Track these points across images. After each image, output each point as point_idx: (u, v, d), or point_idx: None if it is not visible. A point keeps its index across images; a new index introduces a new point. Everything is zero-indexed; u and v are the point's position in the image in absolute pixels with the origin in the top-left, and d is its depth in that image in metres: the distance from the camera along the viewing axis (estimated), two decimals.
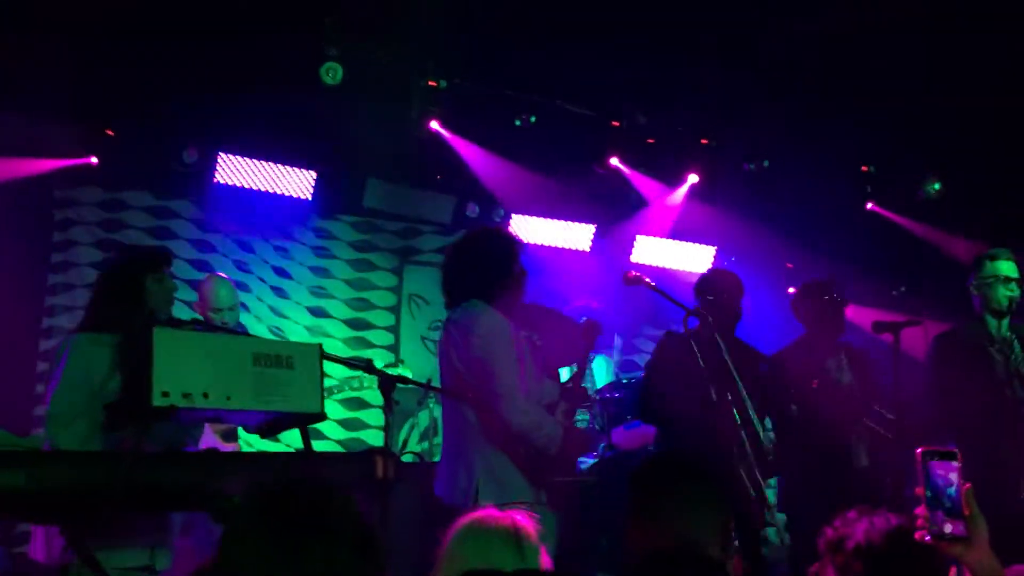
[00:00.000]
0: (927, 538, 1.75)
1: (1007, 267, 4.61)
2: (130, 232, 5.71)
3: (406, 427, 6.00)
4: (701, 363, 4.04)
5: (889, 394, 4.52)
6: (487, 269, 3.64)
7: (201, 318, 4.45)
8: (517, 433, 3.45)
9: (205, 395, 2.75)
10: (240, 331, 4.57)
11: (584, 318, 4.38)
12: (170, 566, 3.25)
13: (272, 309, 6.08)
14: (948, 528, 1.74)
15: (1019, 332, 4.64)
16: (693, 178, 6.52)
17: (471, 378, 3.53)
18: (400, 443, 5.91)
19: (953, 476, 1.76)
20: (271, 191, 5.86)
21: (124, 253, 3.68)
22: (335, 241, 6.41)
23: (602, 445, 5.58)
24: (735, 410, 4.03)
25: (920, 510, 1.77)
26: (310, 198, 5.97)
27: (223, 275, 4.99)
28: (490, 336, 3.51)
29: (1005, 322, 4.63)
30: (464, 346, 3.53)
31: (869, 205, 6.56)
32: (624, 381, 5.91)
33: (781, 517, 5.03)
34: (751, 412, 4.07)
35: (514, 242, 3.76)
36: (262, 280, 6.06)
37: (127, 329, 3.20)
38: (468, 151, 6.09)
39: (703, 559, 1.39)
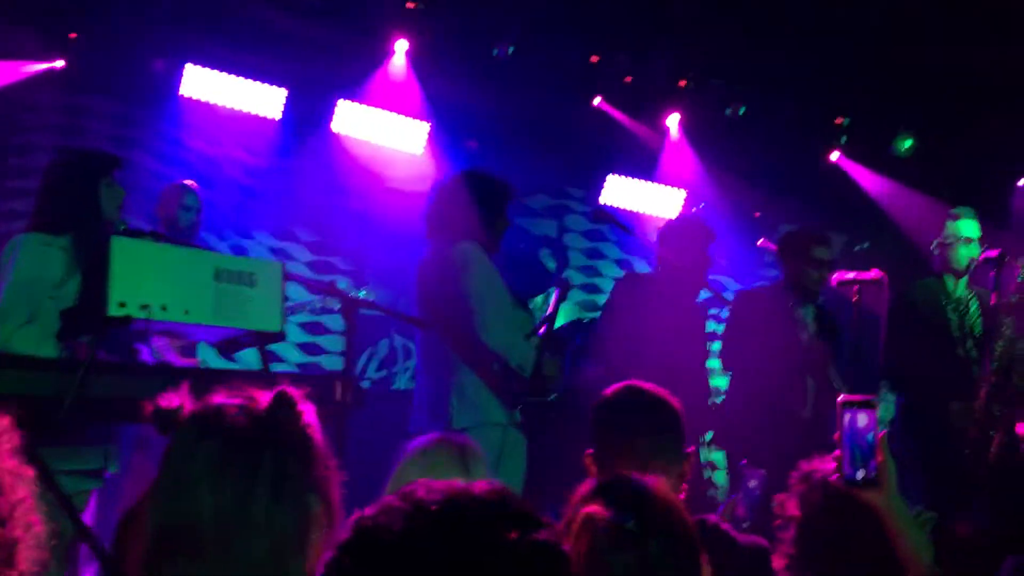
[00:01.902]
0: (840, 482, 1.84)
1: (969, 227, 4.66)
2: (91, 139, 5.56)
3: (364, 355, 5.99)
4: (655, 308, 4.12)
5: (852, 352, 4.59)
6: (481, 211, 3.79)
7: (160, 233, 4.36)
8: (494, 352, 3.61)
9: (163, 308, 2.71)
10: (201, 245, 4.50)
11: (556, 253, 4.42)
12: (114, 470, 3.23)
13: (235, 228, 5.99)
14: (860, 474, 1.83)
15: (977, 292, 4.72)
16: (674, 119, 6.45)
17: (453, 309, 3.63)
18: (359, 371, 5.91)
19: (870, 425, 1.84)
20: (238, 109, 5.72)
21: (75, 154, 3.56)
22: (302, 162, 6.30)
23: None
24: (680, 356, 4.09)
25: (836, 454, 1.84)
26: (279, 117, 5.84)
27: (187, 182, 4.89)
28: (470, 260, 3.68)
29: (963, 282, 4.71)
30: (452, 281, 3.66)
31: (835, 156, 6.55)
32: (584, 320, 5.94)
33: (719, 455, 5.14)
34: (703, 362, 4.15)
35: (507, 186, 3.91)
36: (226, 197, 5.95)
37: (80, 232, 3.15)
38: (442, 79, 5.98)
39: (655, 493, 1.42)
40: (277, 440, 1.39)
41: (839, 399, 1.85)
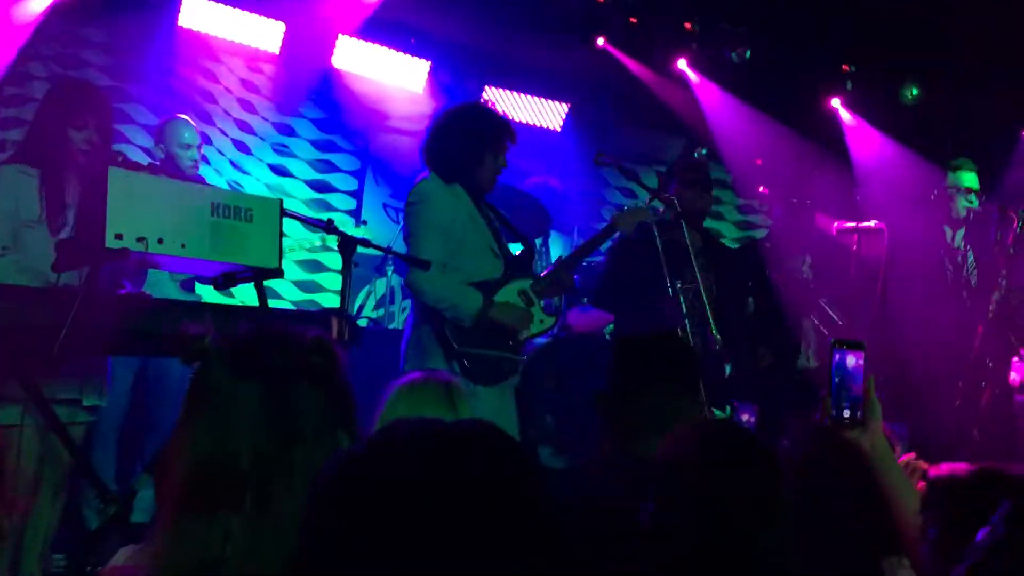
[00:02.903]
0: (826, 421, 1.87)
1: (969, 178, 4.65)
2: (88, 70, 5.47)
3: (363, 293, 6.00)
4: (660, 250, 4.05)
5: (849, 298, 4.61)
6: (462, 144, 3.75)
7: (158, 163, 4.33)
8: (424, 301, 3.65)
9: (160, 241, 2.71)
10: (199, 181, 4.47)
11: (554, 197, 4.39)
12: (104, 403, 3.25)
13: (233, 163, 5.94)
14: (846, 413, 1.85)
15: (974, 243, 4.72)
16: (682, 64, 6.35)
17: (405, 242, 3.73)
18: (356, 309, 5.92)
19: (860, 366, 1.86)
20: (237, 41, 5.63)
21: (51, 92, 3.57)
22: (301, 99, 6.24)
23: (556, 325, 5.64)
24: (686, 300, 4.08)
25: (824, 394, 1.87)
26: (278, 52, 5.75)
27: (184, 116, 4.83)
28: (419, 206, 3.71)
29: (961, 232, 4.71)
30: (403, 214, 3.78)
31: (836, 102, 6.47)
32: (583, 264, 5.94)
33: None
34: (706, 304, 4.10)
35: (498, 123, 3.83)
36: (224, 133, 5.89)
37: (48, 167, 3.17)
38: (443, 15, 5.89)
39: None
40: (315, 378, 1.33)
41: (830, 339, 1.87)
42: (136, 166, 3.11)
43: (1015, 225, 4.49)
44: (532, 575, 0.85)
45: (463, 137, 3.77)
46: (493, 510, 0.85)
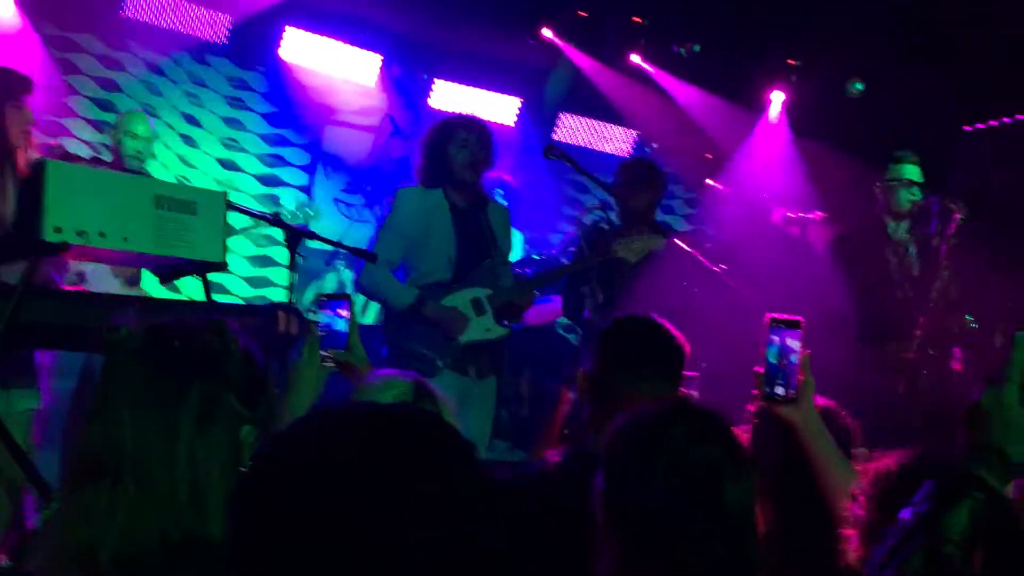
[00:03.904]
0: (760, 398, 1.89)
1: (911, 171, 4.73)
2: (29, 62, 5.36)
3: (311, 288, 5.95)
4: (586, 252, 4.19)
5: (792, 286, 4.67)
6: (427, 154, 4.16)
7: (100, 160, 4.26)
8: (358, 290, 4.10)
9: (102, 234, 2.66)
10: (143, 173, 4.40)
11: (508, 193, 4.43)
12: (40, 407, 3.20)
13: (180, 158, 5.86)
14: (780, 391, 1.86)
15: (916, 236, 4.81)
16: (635, 58, 6.38)
17: None
18: (305, 304, 5.87)
19: (796, 344, 1.87)
20: (183, 31, 5.55)
21: None
22: (250, 93, 6.17)
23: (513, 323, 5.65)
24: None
25: (758, 369, 1.88)
26: (226, 42, 5.69)
27: (139, 110, 4.78)
28: (391, 207, 4.16)
29: (904, 224, 4.79)
30: None
31: (780, 98, 6.56)
32: (535, 258, 5.96)
33: None
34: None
35: (447, 121, 4.20)
36: (170, 127, 5.81)
37: None
38: (395, 9, 5.86)
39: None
40: (207, 369, 1.35)
41: (767, 316, 1.88)
42: (75, 159, 3.05)
43: (956, 215, 4.59)
44: (466, 554, 0.86)
45: (429, 141, 4.16)
46: (418, 491, 0.85)
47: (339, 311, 2.26)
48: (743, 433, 1.86)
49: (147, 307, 2.88)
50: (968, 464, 1.35)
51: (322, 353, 2.17)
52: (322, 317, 2.25)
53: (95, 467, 1.30)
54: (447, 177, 4.12)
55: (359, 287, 4.12)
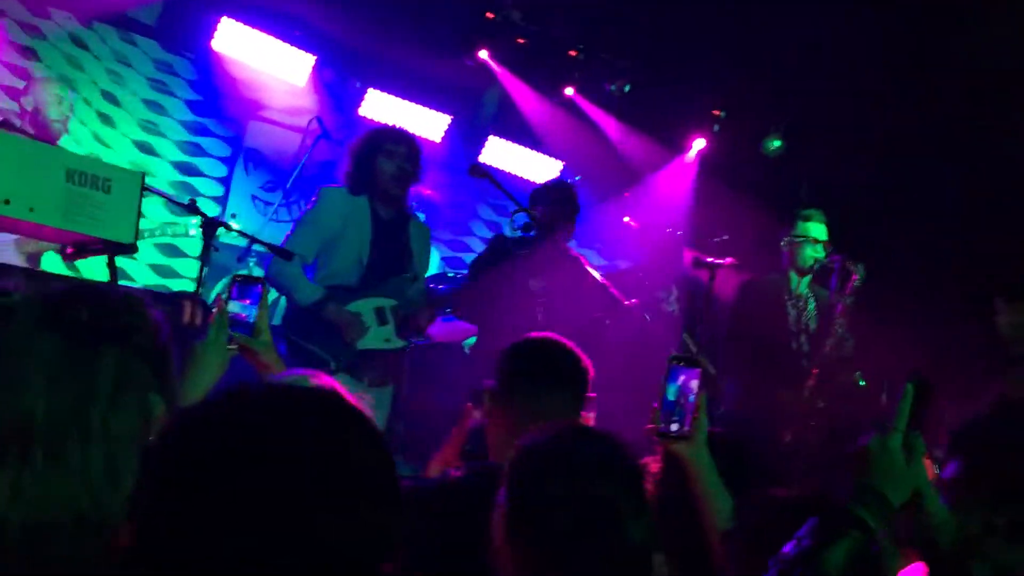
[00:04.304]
0: (653, 433, 1.94)
1: (817, 229, 4.93)
2: None
3: (221, 283, 5.82)
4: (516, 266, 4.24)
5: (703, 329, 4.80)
6: (353, 161, 4.22)
7: (10, 124, 4.10)
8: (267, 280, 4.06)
9: (7, 201, 2.56)
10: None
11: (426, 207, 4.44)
12: None
13: (96, 136, 5.69)
14: (674, 427, 1.91)
15: (816, 292, 5.01)
16: (569, 91, 6.46)
17: None
18: (213, 297, 5.74)
19: (694, 383, 1.93)
20: (111, 9, 5.41)
21: None
22: (176, 78, 6.04)
23: (416, 338, 5.65)
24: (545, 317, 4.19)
25: (655, 405, 1.93)
26: (153, 24, 5.56)
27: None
28: (312, 204, 4.18)
29: (806, 280, 4.99)
30: None
31: (700, 147, 6.76)
32: (449, 275, 5.98)
33: None
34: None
35: (377, 132, 4.29)
36: (87, 103, 5.64)
37: None
38: (334, 12, 5.83)
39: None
40: (121, 338, 1.31)
41: (669, 354, 1.94)
42: None
43: (854, 277, 4.80)
44: (368, 537, 0.86)
45: (358, 149, 4.22)
46: (323, 470, 0.86)
47: (248, 300, 2.22)
48: (652, 462, 1.91)
49: (35, 276, 2.77)
50: (850, 504, 1.42)
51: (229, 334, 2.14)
52: (234, 306, 2.21)
53: (2, 444, 1.23)
54: (373, 187, 4.17)
55: (267, 276, 4.08)
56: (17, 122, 4.22)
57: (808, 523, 1.42)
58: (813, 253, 4.90)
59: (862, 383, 4.81)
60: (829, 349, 4.79)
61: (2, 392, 1.26)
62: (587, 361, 2.28)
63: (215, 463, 0.84)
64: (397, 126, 4.42)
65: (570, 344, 2.30)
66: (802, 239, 4.90)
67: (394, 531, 0.88)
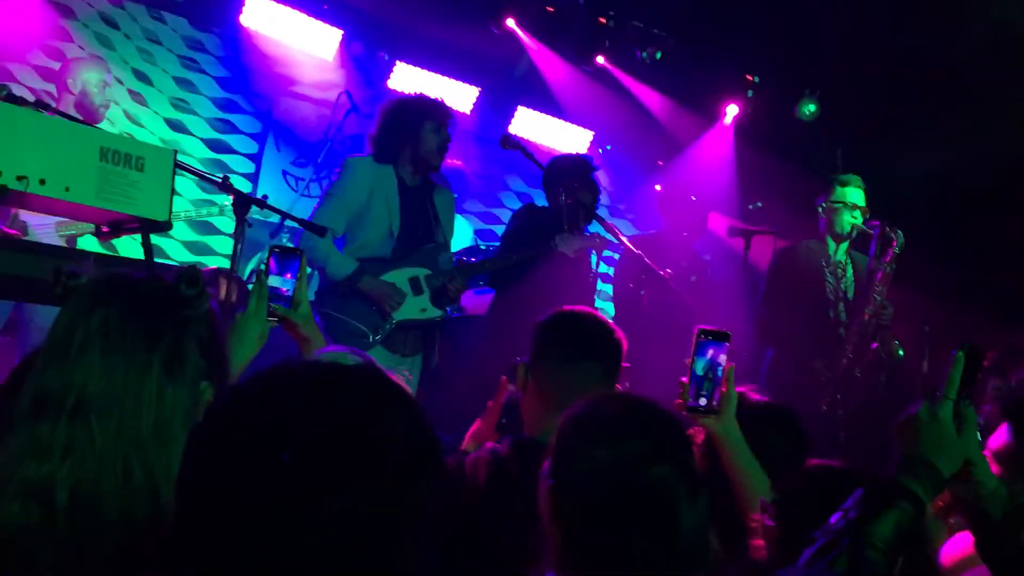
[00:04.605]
0: (682, 407, 1.91)
1: (855, 194, 4.84)
2: None
3: (255, 259, 5.86)
4: (555, 238, 4.20)
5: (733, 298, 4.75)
6: (385, 124, 4.13)
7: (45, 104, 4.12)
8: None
9: (42, 182, 2.58)
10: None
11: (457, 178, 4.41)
12: None
13: (127, 114, 5.71)
14: (702, 401, 1.89)
15: (854, 258, 4.93)
16: (600, 59, 6.37)
17: None
18: (247, 274, 5.78)
19: (722, 356, 1.90)
20: None
21: None
22: (205, 55, 6.05)
23: (449, 307, 5.65)
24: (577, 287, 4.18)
25: (683, 379, 1.90)
26: (182, 1, 5.56)
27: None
28: (338, 175, 4.13)
29: (844, 246, 4.90)
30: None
31: (734, 113, 6.66)
32: (482, 247, 5.96)
33: None
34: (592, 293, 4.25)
35: (427, 100, 4.20)
36: (119, 81, 5.65)
37: None
38: None
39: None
40: (180, 316, 1.35)
41: (696, 327, 1.90)
42: (21, 101, 2.95)
43: (894, 243, 4.70)
44: (412, 503, 0.85)
45: (400, 115, 4.11)
46: (368, 451, 0.85)
47: (288, 274, 2.22)
48: (697, 433, 1.89)
49: (101, 261, 2.81)
50: (898, 475, 1.39)
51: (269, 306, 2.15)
52: (273, 279, 2.21)
53: (50, 404, 1.27)
54: (409, 155, 4.11)
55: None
56: (52, 103, 4.24)
57: (855, 494, 1.39)
58: (851, 219, 4.81)
59: (900, 352, 4.73)
60: (868, 317, 4.71)
61: (59, 359, 1.31)
62: (620, 333, 2.26)
63: (258, 444, 0.84)
64: (436, 97, 4.30)
65: (602, 316, 2.28)
66: (840, 205, 4.81)
67: (437, 508, 0.88)
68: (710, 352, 1.88)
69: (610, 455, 1.33)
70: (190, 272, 1.39)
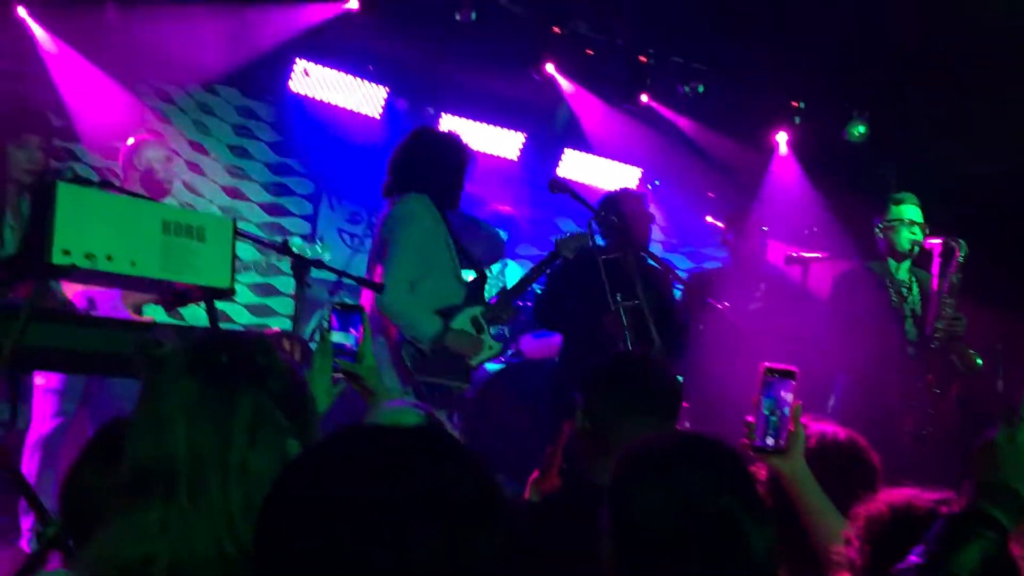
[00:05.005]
0: (748, 449, 1.87)
1: (911, 211, 4.76)
2: (38, 85, 5.39)
3: (315, 318, 5.95)
4: (601, 269, 4.19)
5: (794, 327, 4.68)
6: (437, 166, 3.86)
7: (108, 183, 4.28)
8: (381, 312, 3.65)
9: (109, 258, 2.67)
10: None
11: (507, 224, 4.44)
12: (24, 426, 3.20)
13: (186, 185, 5.89)
14: (770, 441, 1.86)
15: (918, 275, 4.83)
16: (644, 98, 6.40)
17: (376, 257, 3.77)
18: (309, 333, 5.87)
19: (788, 395, 1.86)
20: (193, 59, 5.60)
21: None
22: (257, 122, 6.23)
23: (510, 351, 5.66)
24: (627, 317, 4.15)
25: (749, 419, 1.87)
26: (233, 71, 5.74)
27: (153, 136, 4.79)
28: (403, 219, 3.75)
29: (906, 264, 4.82)
30: (382, 222, 3.78)
31: (785, 142, 6.62)
32: (537, 292, 5.97)
33: None
34: (649, 321, 4.19)
35: (463, 150, 4.00)
36: (177, 154, 5.84)
37: None
38: (403, 43, 5.92)
39: None
40: (257, 381, 1.37)
41: (762, 366, 1.87)
42: (86, 182, 3.07)
43: (957, 253, 4.61)
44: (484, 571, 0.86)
45: (449, 158, 3.91)
46: (436, 516, 0.86)
47: (351, 329, 2.26)
48: (760, 470, 1.86)
49: (184, 329, 2.88)
50: (979, 503, 1.35)
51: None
52: (336, 335, 2.25)
53: (145, 482, 1.30)
54: (445, 191, 3.90)
55: (384, 307, 3.71)
56: (116, 181, 4.39)
57: (936, 525, 1.36)
58: (910, 236, 4.73)
59: (979, 361, 4.60)
60: (940, 331, 4.61)
61: (148, 434, 1.34)
62: (674, 378, 2.25)
63: (327, 511, 0.85)
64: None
65: (656, 362, 2.27)
66: (897, 223, 4.74)
67: (504, 557, 0.88)
68: (776, 390, 1.85)
69: (668, 492, 1.31)
70: (263, 341, 1.42)
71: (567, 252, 4.26)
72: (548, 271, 4.41)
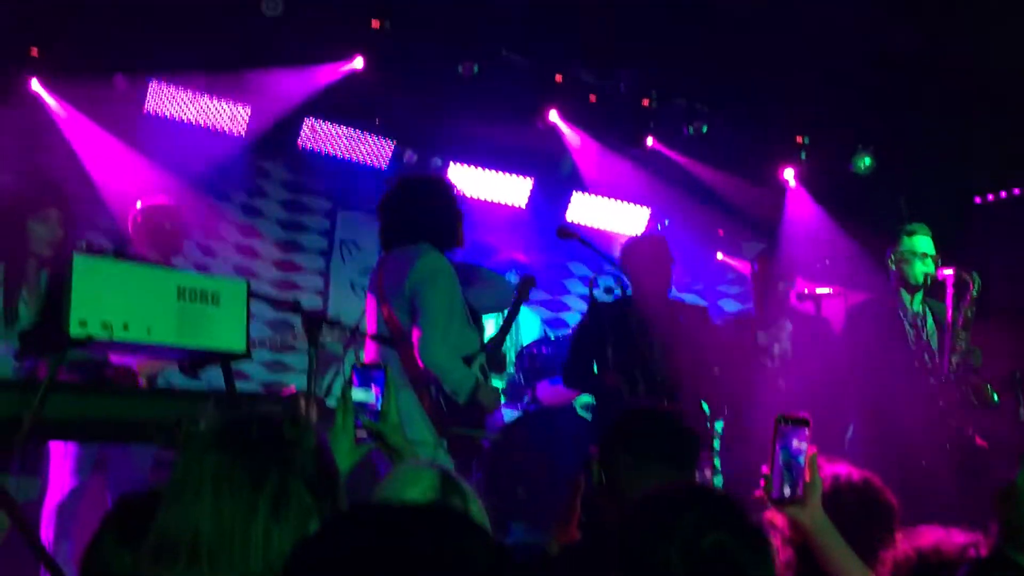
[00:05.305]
0: (765, 499, 1.86)
1: (923, 243, 4.75)
2: (52, 155, 5.49)
3: (330, 373, 5.96)
4: (609, 327, 4.19)
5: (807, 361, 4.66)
6: (440, 213, 3.78)
7: (122, 251, 4.33)
8: (426, 371, 3.58)
9: (125, 327, 2.69)
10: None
11: (522, 273, 4.47)
12: (35, 496, 3.22)
13: (198, 245, 5.95)
14: (787, 491, 1.84)
15: (932, 306, 4.81)
16: (648, 141, 6.45)
17: (399, 311, 3.65)
18: (324, 388, 5.88)
19: (803, 443, 1.85)
20: (203, 125, 5.70)
21: (11, 187, 3.63)
22: (268, 180, 6.30)
23: (526, 399, 5.65)
24: (643, 373, 4.15)
25: (765, 470, 1.86)
26: (243, 135, 5.82)
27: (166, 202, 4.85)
28: (433, 272, 3.64)
29: (919, 296, 4.79)
30: (402, 277, 3.64)
31: (791, 175, 6.66)
32: (552, 338, 5.98)
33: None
34: (661, 376, 4.20)
35: (448, 186, 3.94)
36: (190, 214, 5.91)
37: (11, 263, 3.19)
38: (407, 97, 6.00)
39: None
40: (285, 457, 1.40)
41: (776, 415, 1.87)
42: (100, 250, 3.11)
43: (971, 287, 4.59)
44: None
45: (449, 206, 3.83)
46: None
47: (372, 386, 2.26)
48: (776, 516, 1.85)
49: (180, 401, 2.91)
50: (1004, 548, 1.34)
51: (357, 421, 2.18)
52: (357, 393, 2.25)
53: (171, 550, 1.33)
54: (451, 236, 3.85)
55: (430, 361, 3.61)
56: (129, 248, 4.44)
57: (961, 570, 1.34)
58: (923, 268, 4.72)
59: (996, 398, 4.56)
60: (956, 364, 4.58)
61: (176, 505, 1.38)
62: (689, 428, 2.25)
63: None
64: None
65: (675, 414, 2.28)
66: (910, 255, 4.73)
67: None
68: (790, 440, 1.85)
69: (666, 532, 1.37)
70: (293, 413, 1.45)
71: (524, 295, 4.25)
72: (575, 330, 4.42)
